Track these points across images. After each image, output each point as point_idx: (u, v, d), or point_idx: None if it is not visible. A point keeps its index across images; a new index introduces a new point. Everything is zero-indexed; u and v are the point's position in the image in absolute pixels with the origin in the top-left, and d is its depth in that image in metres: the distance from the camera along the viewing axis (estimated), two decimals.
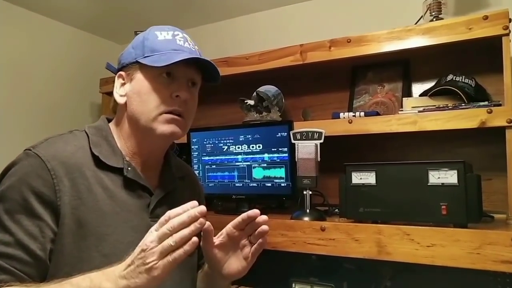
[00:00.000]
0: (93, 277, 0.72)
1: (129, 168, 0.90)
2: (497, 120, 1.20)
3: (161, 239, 0.68)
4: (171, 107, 0.89)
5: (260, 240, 0.87)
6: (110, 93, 1.14)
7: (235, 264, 0.90)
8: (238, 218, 0.88)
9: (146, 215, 0.91)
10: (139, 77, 0.89)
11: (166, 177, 0.99)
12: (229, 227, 0.89)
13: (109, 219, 0.84)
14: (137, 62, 0.89)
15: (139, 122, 0.89)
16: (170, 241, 0.68)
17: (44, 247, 0.78)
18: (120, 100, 0.91)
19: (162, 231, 0.69)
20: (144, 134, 0.90)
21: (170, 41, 0.90)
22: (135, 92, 0.89)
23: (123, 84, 0.92)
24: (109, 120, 0.98)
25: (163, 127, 0.88)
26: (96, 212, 0.83)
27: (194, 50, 0.92)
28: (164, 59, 0.86)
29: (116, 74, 0.95)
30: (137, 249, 0.70)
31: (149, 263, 0.67)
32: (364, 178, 1.20)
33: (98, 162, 0.86)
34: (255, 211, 0.86)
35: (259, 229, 0.86)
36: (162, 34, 0.90)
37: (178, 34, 0.92)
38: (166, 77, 0.89)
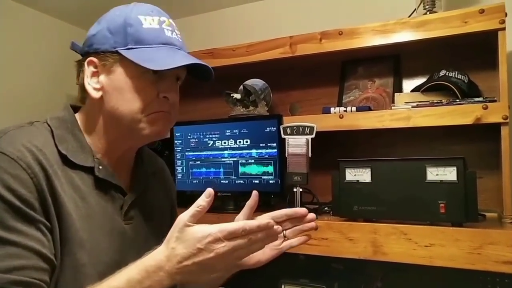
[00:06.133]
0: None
1: (100, 167, 0.80)
2: (493, 116, 1.18)
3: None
4: (159, 109, 0.80)
5: (302, 238, 0.87)
6: None
7: (257, 255, 0.83)
8: (281, 212, 0.86)
9: (119, 218, 0.83)
10: (120, 71, 0.78)
11: (138, 174, 0.91)
12: (265, 217, 0.84)
13: (83, 223, 0.75)
14: (117, 52, 0.77)
15: (121, 121, 0.79)
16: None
17: (51, 251, 0.70)
18: (95, 94, 0.79)
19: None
20: (126, 133, 0.81)
21: (157, 32, 0.79)
22: (115, 89, 0.78)
23: (95, 74, 0.80)
24: (75, 109, 0.85)
25: (150, 129, 0.80)
26: (71, 216, 0.73)
27: (181, 41, 0.83)
28: (157, 60, 0.75)
29: (81, 56, 0.82)
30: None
31: None
32: (358, 174, 1.15)
33: (66, 160, 0.76)
34: (304, 210, 0.86)
35: (308, 224, 0.86)
36: (147, 21, 0.79)
37: (164, 21, 0.81)
38: (153, 74, 0.78)
